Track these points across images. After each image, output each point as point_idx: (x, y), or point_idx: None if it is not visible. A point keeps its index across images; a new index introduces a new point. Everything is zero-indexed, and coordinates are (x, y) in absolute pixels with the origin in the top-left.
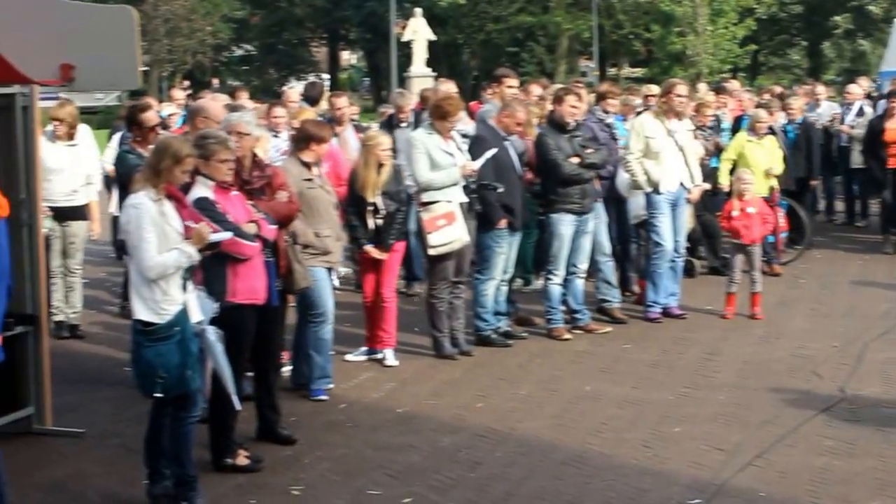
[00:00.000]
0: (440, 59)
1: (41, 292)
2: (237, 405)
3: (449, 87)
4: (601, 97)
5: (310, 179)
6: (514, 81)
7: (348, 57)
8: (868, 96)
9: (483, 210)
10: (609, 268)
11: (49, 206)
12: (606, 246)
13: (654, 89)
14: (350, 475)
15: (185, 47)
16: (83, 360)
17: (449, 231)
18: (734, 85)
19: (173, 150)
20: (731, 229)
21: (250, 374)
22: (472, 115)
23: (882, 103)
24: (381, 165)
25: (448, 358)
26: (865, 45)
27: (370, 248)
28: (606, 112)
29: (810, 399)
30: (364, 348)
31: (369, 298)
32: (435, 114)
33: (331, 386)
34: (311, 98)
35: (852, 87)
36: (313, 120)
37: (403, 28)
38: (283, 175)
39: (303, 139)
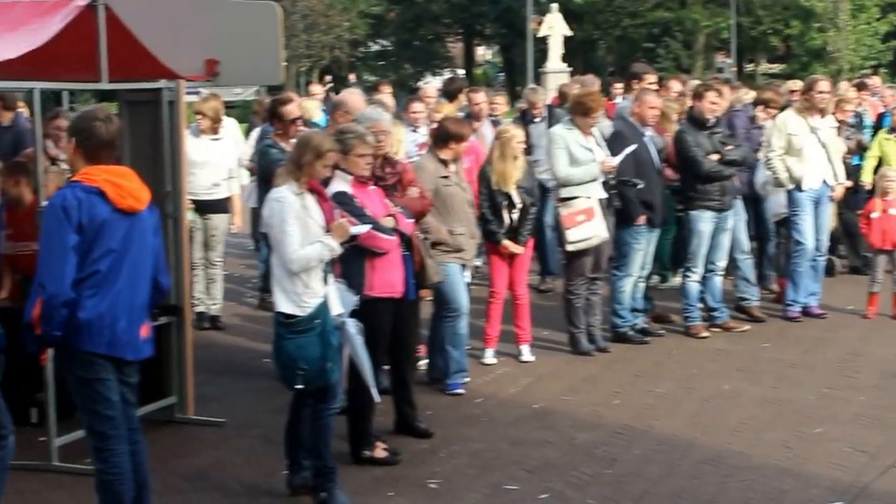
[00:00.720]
0: (576, 55)
1: (185, 284)
2: (376, 397)
3: (592, 83)
4: (762, 102)
5: (446, 177)
6: (653, 78)
7: (483, 53)
8: None
9: (622, 206)
10: (748, 266)
11: (191, 199)
12: (745, 244)
13: (797, 86)
14: (486, 469)
15: (323, 43)
16: (223, 351)
17: (588, 227)
18: (876, 81)
19: (315, 144)
20: (867, 234)
21: (387, 367)
22: (607, 115)
23: None
24: (515, 158)
25: (584, 354)
26: None
27: (508, 243)
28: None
29: None
30: (491, 349)
31: (500, 295)
32: (577, 110)
33: (467, 380)
34: (449, 93)
35: None
36: (454, 118)
37: (539, 24)
38: (411, 171)
39: (442, 137)
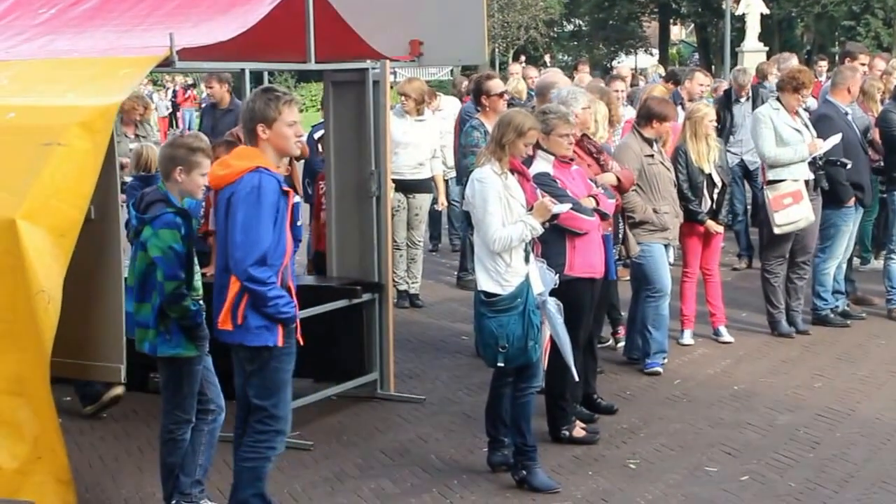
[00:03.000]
0: (773, 34)
1: (387, 261)
2: (576, 376)
3: (790, 61)
4: None
5: (651, 156)
6: (866, 59)
7: (678, 32)
8: None
9: (831, 187)
10: None
11: (395, 179)
12: None
13: None
14: (686, 450)
15: (518, 22)
16: (423, 329)
17: (795, 210)
18: None
19: (516, 123)
20: None
21: None
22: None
23: None
24: (707, 137)
25: (784, 336)
26: None
27: (711, 223)
28: None
29: None
30: (688, 330)
31: (695, 274)
32: (788, 86)
33: (665, 360)
34: (675, 78)
35: None
36: (658, 97)
37: (737, 2)
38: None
39: (645, 116)
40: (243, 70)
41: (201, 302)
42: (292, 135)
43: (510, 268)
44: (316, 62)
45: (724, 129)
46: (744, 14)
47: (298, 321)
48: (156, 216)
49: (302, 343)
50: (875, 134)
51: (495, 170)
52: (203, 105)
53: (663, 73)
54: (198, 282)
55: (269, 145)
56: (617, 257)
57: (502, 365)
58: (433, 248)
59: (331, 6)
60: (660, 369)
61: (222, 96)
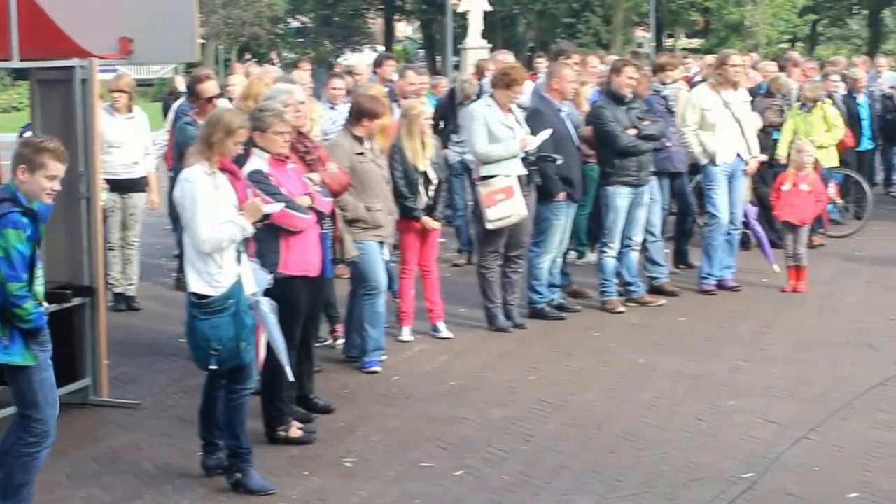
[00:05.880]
0: (496, 31)
1: (98, 264)
2: (290, 377)
3: (506, 58)
4: (659, 69)
5: (361, 153)
6: (578, 57)
7: (404, 28)
8: None
9: (542, 182)
10: (656, 248)
11: (107, 179)
12: (657, 226)
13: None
14: (402, 447)
15: (242, 19)
16: (139, 332)
17: (507, 205)
18: (796, 56)
19: (225, 122)
20: (776, 207)
21: None
22: None
23: None
24: (423, 134)
25: (501, 330)
26: None
27: (427, 219)
28: (664, 84)
29: (865, 372)
30: (407, 327)
31: (412, 271)
32: (500, 83)
33: (384, 358)
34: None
35: None
36: (368, 94)
37: None
38: (324, 149)
39: (356, 114)
40: None
41: (46, 305)
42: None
43: (221, 269)
44: (21, 60)
45: (447, 127)
46: (466, 11)
47: None
48: (1, 215)
49: None
50: (587, 130)
51: (204, 169)
52: None
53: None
54: (41, 286)
55: None
56: (333, 257)
57: (215, 367)
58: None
59: (35, 2)
60: (378, 367)
61: None
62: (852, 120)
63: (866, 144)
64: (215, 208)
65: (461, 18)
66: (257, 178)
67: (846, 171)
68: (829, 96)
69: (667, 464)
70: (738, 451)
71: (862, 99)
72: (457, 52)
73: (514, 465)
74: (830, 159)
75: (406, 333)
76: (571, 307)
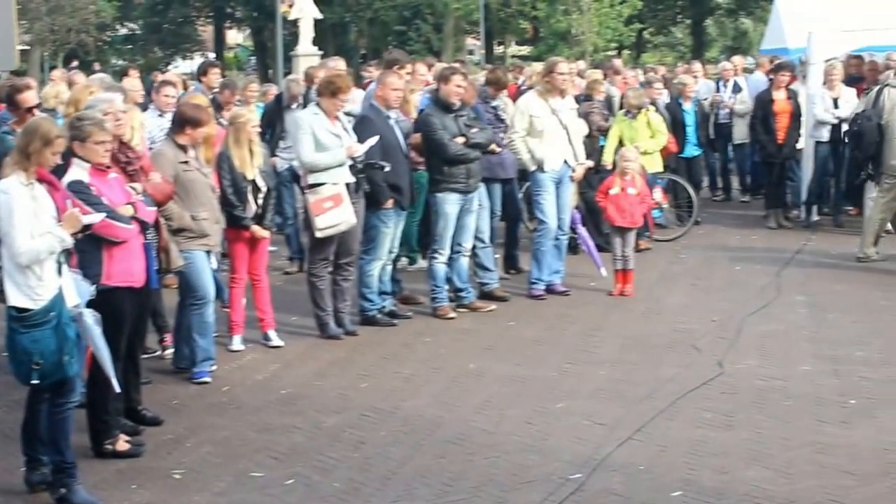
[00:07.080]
0: (327, 38)
1: None
2: (116, 388)
3: (337, 64)
4: (491, 83)
5: (185, 162)
6: (409, 67)
7: (235, 36)
8: (745, 70)
9: (371, 190)
10: (486, 254)
11: None
12: (485, 233)
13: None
14: (232, 458)
15: (68, 26)
16: None
17: (336, 213)
18: (619, 64)
19: (42, 131)
20: (605, 209)
21: None
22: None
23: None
24: (250, 142)
25: (333, 338)
26: (747, 23)
27: (256, 228)
28: (493, 96)
29: (689, 373)
30: (238, 336)
31: (242, 280)
32: (325, 90)
33: (214, 368)
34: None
35: (726, 64)
36: (191, 103)
37: (290, 6)
38: (147, 158)
39: (179, 122)
40: None
41: None
42: None
43: (41, 281)
44: None
45: (275, 134)
46: (298, 18)
47: None
48: None
49: None
50: (415, 137)
51: (21, 180)
52: None
53: None
54: None
55: None
56: (158, 267)
57: (37, 382)
58: None
59: None
60: (208, 378)
61: None
62: (677, 126)
63: (692, 151)
64: (33, 220)
65: (292, 26)
66: (77, 189)
67: (671, 176)
68: (653, 103)
69: (497, 467)
70: (566, 453)
71: (688, 106)
72: (288, 60)
73: (345, 472)
74: (655, 165)
75: (237, 343)
76: (403, 314)
